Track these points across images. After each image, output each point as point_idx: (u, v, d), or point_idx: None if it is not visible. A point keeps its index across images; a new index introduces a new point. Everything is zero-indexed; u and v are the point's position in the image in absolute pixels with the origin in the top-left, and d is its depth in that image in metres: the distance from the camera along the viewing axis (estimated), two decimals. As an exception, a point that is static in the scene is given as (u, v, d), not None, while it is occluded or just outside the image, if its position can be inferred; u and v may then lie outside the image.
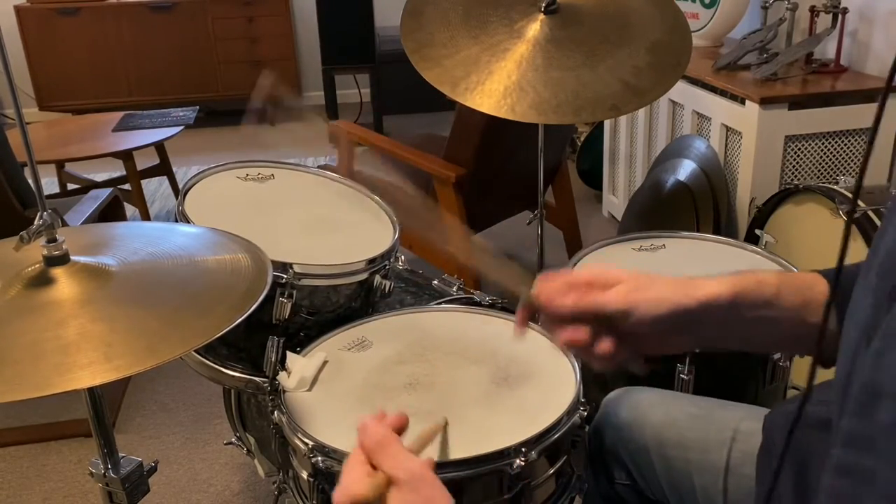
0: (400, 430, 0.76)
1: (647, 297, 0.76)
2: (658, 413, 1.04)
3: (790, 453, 0.73)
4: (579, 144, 3.50)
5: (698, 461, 0.98)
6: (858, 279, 0.63)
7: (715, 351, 0.81)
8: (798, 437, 0.70)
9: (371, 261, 1.29)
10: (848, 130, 2.12)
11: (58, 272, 0.90)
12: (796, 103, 2.06)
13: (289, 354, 1.17)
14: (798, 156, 2.12)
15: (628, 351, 0.79)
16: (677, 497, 1.01)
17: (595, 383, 1.26)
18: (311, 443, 1.00)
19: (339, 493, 0.69)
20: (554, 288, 0.79)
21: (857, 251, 1.67)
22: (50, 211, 0.91)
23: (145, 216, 3.28)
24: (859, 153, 2.15)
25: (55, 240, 0.91)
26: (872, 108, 2.10)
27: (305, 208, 1.45)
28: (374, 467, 0.70)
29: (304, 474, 1.02)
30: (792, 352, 0.77)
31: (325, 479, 1.01)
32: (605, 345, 0.78)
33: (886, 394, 0.48)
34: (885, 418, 0.47)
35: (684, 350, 0.79)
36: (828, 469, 0.51)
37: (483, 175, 2.32)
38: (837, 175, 2.15)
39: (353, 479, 0.69)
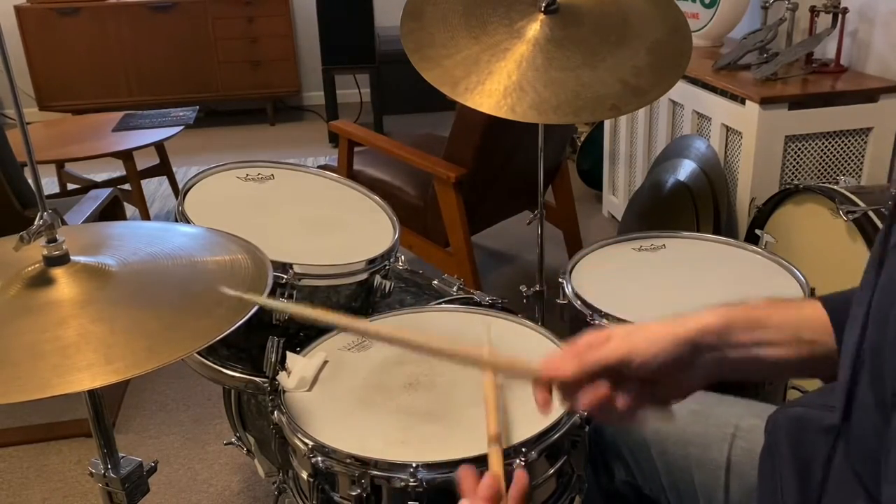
0: (496, 495, 0.79)
1: (643, 338, 0.78)
2: None
3: (793, 455, 0.73)
4: (579, 144, 3.50)
5: (698, 457, 0.99)
6: (855, 296, 0.63)
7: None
8: (801, 440, 0.70)
9: (371, 261, 1.29)
10: (848, 130, 2.12)
11: (58, 272, 0.90)
12: (796, 103, 2.06)
13: (289, 354, 1.17)
14: (798, 156, 2.12)
15: (648, 401, 0.81)
16: (676, 494, 1.02)
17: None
18: (311, 443, 1.00)
19: None
20: (556, 359, 0.81)
21: (858, 252, 1.67)
22: (50, 211, 0.91)
23: (145, 216, 3.27)
24: (859, 153, 2.15)
25: (55, 240, 0.91)
26: (872, 108, 2.10)
27: (305, 208, 1.45)
28: None
29: (304, 474, 1.02)
30: (798, 375, 0.78)
31: (325, 479, 1.01)
32: (623, 399, 0.79)
33: None
34: None
35: (700, 388, 0.81)
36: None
37: (483, 175, 2.32)
38: (837, 175, 2.15)
39: None
